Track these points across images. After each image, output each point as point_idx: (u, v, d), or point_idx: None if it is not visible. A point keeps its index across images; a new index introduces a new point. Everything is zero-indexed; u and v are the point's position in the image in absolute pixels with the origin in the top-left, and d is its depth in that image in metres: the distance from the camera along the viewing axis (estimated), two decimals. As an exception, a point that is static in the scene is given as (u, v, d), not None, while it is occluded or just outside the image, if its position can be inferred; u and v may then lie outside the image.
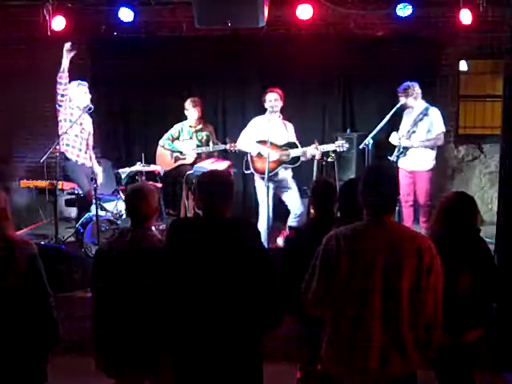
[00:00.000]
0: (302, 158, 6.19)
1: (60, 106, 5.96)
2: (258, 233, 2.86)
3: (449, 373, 3.36)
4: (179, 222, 3.04)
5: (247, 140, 6.28)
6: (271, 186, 6.10)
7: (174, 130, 6.83)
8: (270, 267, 2.77)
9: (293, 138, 6.31)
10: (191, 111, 6.73)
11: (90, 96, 6.08)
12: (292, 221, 6.29)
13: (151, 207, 3.16)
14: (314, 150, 6.15)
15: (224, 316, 2.68)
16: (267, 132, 6.06)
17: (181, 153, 6.78)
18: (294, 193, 6.32)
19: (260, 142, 6.21)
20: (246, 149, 6.27)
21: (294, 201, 6.30)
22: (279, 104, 6.15)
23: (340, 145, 6.17)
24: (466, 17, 6.22)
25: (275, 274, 2.83)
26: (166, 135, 6.82)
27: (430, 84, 7.20)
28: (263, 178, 6.02)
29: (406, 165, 6.24)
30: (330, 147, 6.22)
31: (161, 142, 6.83)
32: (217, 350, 2.70)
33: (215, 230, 2.75)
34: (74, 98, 6.02)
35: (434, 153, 6.20)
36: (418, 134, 6.14)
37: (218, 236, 2.72)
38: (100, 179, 6.18)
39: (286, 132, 6.33)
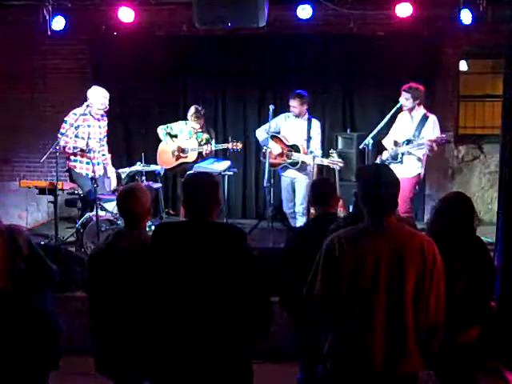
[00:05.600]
0: None
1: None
2: (244, 238, 2.77)
3: (448, 373, 3.36)
4: (164, 227, 2.95)
5: (264, 130, 6.46)
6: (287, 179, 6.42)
7: (175, 127, 6.84)
8: (257, 273, 2.70)
9: (314, 139, 6.36)
10: (193, 123, 6.77)
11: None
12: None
13: (143, 208, 3.15)
14: (309, 160, 6.22)
15: (210, 322, 2.63)
16: (284, 129, 6.43)
17: (183, 151, 6.78)
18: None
19: (274, 137, 6.38)
20: (258, 136, 6.53)
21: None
22: (296, 110, 6.31)
23: (335, 162, 6.13)
24: (466, 17, 6.22)
25: (263, 279, 2.74)
26: (165, 126, 6.87)
27: (430, 84, 7.20)
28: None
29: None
30: (324, 162, 6.23)
31: (159, 129, 6.88)
32: (203, 357, 2.64)
33: (200, 234, 2.68)
34: (95, 103, 6.10)
35: (421, 160, 5.85)
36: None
37: (203, 241, 2.66)
38: (113, 184, 6.28)
39: (303, 133, 6.35)
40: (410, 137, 5.83)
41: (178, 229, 2.82)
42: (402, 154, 5.84)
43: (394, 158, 5.90)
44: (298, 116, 6.35)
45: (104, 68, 7.64)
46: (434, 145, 5.65)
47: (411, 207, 5.94)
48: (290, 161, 6.31)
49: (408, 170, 5.81)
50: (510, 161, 4.69)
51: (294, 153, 6.29)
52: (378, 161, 6.15)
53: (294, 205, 6.47)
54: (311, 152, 6.26)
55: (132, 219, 3.16)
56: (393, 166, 5.79)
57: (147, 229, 3.55)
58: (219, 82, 7.79)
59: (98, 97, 6.09)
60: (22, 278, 2.92)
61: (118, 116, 7.76)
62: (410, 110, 5.86)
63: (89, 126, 6.12)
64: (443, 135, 5.72)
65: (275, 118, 6.44)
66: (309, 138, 6.33)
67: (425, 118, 5.82)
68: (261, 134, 6.53)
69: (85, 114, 6.06)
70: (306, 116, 6.40)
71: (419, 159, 5.83)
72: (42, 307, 3.09)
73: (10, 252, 2.89)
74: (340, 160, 6.16)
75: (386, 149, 6.13)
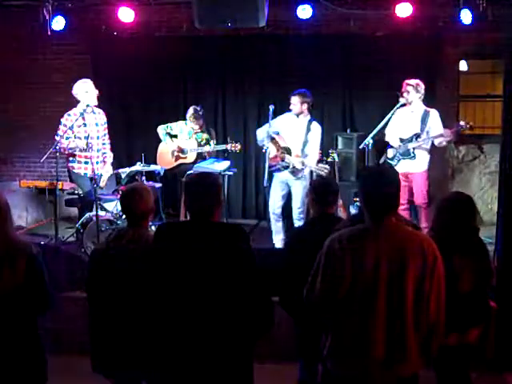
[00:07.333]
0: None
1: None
2: (247, 238, 2.76)
3: (448, 373, 3.36)
4: (166, 227, 2.91)
5: (263, 129, 6.24)
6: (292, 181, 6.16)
7: (175, 127, 6.85)
8: (258, 273, 2.68)
9: (311, 143, 6.14)
10: (192, 123, 6.76)
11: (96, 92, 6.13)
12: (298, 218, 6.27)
13: (147, 206, 3.16)
14: (298, 165, 6.04)
15: (211, 322, 2.62)
16: (282, 128, 6.20)
17: (182, 151, 6.79)
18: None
19: (272, 138, 6.17)
20: (258, 136, 6.29)
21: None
22: (295, 108, 6.12)
23: (321, 169, 5.87)
24: (466, 17, 6.22)
25: (264, 280, 2.71)
26: (165, 126, 6.88)
27: (430, 84, 7.19)
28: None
29: (401, 168, 5.87)
30: (312, 168, 5.98)
31: (159, 128, 6.89)
32: (204, 357, 2.63)
33: (203, 235, 2.66)
34: (82, 97, 6.06)
35: (429, 154, 6.04)
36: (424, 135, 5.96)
37: (206, 241, 2.64)
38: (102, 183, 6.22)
39: (300, 134, 6.17)
40: (417, 131, 5.98)
41: (181, 229, 2.81)
42: (414, 149, 5.99)
43: (405, 154, 6.02)
44: (298, 115, 6.17)
45: (104, 68, 7.65)
46: (454, 135, 5.98)
47: (428, 200, 6.03)
48: (283, 163, 6.12)
49: (421, 164, 6.02)
50: (510, 160, 4.69)
51: (286, 155, 6.11)
52: (382, 160, 6.20)
53: (281, 206, 6.27)
54: (305, 156, 6.07)
55: (135, 218, 3.16)
56: (405, 162, 5.99)
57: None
58: (219, 82, 7.80)
59: (93, 89, 6.09)
60: (15, 298, 2.80)
61: (118, 116, 7.76)
62: (411, 104, 6.00)
63: (85, 125, 6.11)
64: (461, 123, 5.96)
65: (280, 116, 6.30)
66: (306, 141, 6.14)
67: (426, 113, 6.02)
68: (260, 133, 6.31)
69: (80, 114, 6.04)
70: (308, 118, 6.22)
71: (428, 152, 6.05)
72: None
73: (3, 271, 2.78)
74: (326, 166, 5.95)
75: (386, 147, 6.17)
